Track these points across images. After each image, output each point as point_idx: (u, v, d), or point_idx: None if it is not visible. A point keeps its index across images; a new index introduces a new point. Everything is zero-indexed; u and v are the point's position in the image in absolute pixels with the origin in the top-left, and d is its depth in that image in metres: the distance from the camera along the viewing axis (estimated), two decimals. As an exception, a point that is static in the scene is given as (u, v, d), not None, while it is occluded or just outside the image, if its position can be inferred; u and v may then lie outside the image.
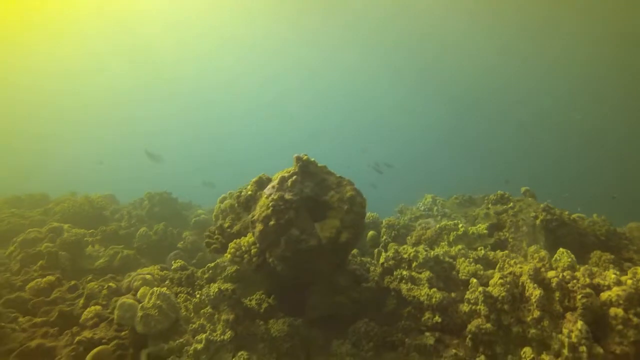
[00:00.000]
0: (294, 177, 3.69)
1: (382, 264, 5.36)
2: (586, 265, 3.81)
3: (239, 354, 3.70)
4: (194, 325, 4.19)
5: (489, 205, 7.57)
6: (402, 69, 45.01)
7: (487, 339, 3.43)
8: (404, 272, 5.01)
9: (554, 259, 3.97)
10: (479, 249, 5.98)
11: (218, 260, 5.54)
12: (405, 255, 5.31)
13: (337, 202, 3.79)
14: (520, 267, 3.55)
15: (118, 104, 56.62)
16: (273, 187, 3.72)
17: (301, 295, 5.25)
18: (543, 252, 3.62)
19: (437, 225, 6.85)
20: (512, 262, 3.78)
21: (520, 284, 3.44)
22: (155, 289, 4.17)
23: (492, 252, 5.90)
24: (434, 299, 4.58)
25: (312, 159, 3.92)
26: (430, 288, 4.77)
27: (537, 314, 3.15)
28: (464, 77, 44.45)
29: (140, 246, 8.76)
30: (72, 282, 5.78)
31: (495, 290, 3.37)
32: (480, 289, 3.47)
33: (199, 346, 3.73)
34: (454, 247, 6.06)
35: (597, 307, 3.15)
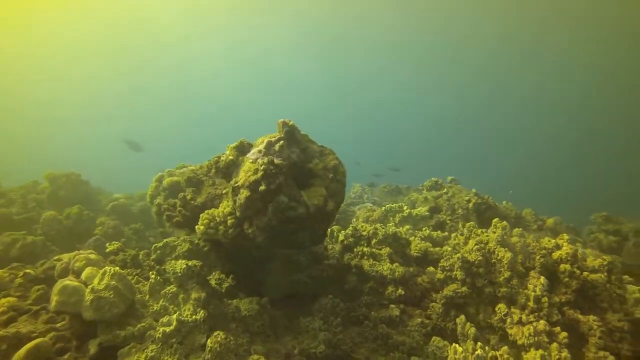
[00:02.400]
0: (281, 142, 3.49)
1: (342, 241, 5.41)
2: (531, 235, 4.36)
3: (215, 334, 3.37)
4: (154, 308, 3.70)
5: (424, 191, 8.17)
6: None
7: (462, 301, 3.69)
8: (365, 249, 5.12)
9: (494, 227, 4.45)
10: (423, 229, 6.40)
11: (166, 240, 5.00)
12: (364, 233, 5.43)
13: (321, 170, 3.70)
14: (487, 236, 3.90)
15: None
16: (259, 151, 3.47)
17: (258, 274, 5.05)
18: (504, 222, 4.03)
19: (383, 208, 7.17)
20: (479, 231, 4.12)
21: (488, 249, 3.78)
22: (107, 267, 3.57)
23: (435, 232, 6.37)
24: (396, 273, 4.77)
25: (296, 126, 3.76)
26: (391, 263, 4.96)
27: (507, 274, 3.49)
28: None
29: (47, 232, 7.45)
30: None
31: (472, 255, 3.64)
32: (458, 254, 3.72)
33: (169, 329, 3.30)
34: (401, 228, 6.39)
35: (550, 264, 3.62)
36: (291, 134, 3.65)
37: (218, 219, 3.66)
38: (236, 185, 3.42)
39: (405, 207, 6.90)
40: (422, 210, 6.90)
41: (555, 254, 3.63)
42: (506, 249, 3.58)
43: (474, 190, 7.07)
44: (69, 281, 3.43)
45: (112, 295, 3.42)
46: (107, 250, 5.04)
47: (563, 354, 2.94)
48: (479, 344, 3.03)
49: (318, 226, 3.68)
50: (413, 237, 5.88)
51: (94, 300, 3.34)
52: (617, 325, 3.31)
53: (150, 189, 6.65)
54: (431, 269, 5.44)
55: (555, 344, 3.02)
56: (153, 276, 4.10)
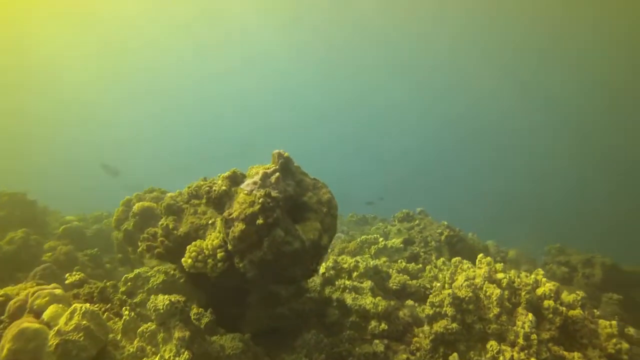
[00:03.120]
0: (277, 174, 3.41)
1: (323, 273, 5.30)
2: (512, 270, 4.54)
3: (200, 377, 3.10)
4: (130, 350, 3.35)
5: (396, 222, 8.31)
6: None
7: (452, 338, 3.70)
8: (347, 282, 5.05)
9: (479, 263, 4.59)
10: (399, 261, 6.46)
11: (138, 271, 4.62)
12: (345, 266, 5.37)
13: (316, 204, 3.64)
14: (474, 271, 3.99)
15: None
16: (254, 182, 3.35)
17: (236, 307, 4.81)
18: (489, 258, 4.15)
19: (359, 239, 7.17)
20: (465, 266, 4.21)
21: (476, 285, 3.85)
22: (77, 305, 3.19)
23: (410, 264, 6.45)
24: (380, 307, 4.73)
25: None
26: (374, 297, 4.92)
27: (496, 310, 3.57)
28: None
29: (-16, 260, 6.66)
30: None
31: (462, 291, 3.69)
32: (449, 291, 3.75)
33: (149, 373, 2.99)
34: (378, 260, 6.40)
35: (535, 301, 3.76)
36: (286, 166, 3.58)
37: (207, 252, 3.45)
38: (230, 217, 3.27)
39: (380, 239, 6.95)
40: (397, 242, 6.99)
41: (539, 290, 3.78)
42: (495, 285, 3.68)
43: (445, 223, 7.30)
44: (28, 323, 3.03)
45: (82, 338, 3.06)
46: (67, 282, 4.55)
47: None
48: (476, 384, 3.03)
49: (311, 261, 3.59)
50: (391, 270, 5.90)
51: (59, 345, 2.96)
52: (598, 361, 3.46)
53: (117, 213, 6.20)
54: (410, 302, 5.46)
55: (546, 383, 3.09)
56: (127, 313, 3.75)
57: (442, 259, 6.56)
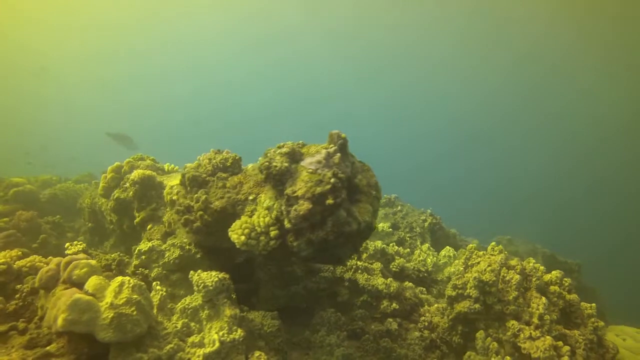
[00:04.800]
0: (339, 155, 3.39)
1: (333, 254, 5.39)
2: (516, 258, 5.03)
3: (257, 354, 3.06)
4: (175, 326, 3.17)
5: (378, 208, 8.61)
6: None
7: (473, 317, 4.05)
8: (359, 263, 5.21)
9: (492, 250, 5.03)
10: (390, 244, 6.77)
11: (152, 244, 4.32)
12: (354, 247, 5.51)
13: (366, 187, 3.69)
14: (489, 258, 4.36)
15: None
16: (318, 162, 3.29)
17: (246, 284, 4.77)
18: (500, 246, 4.56)
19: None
20: (481, 253, 4.57)
21: (495, 270, 4.23)
22: (123, 278, 2.94)
23: (400, 248, 6.79)
24: (392, 288, 4.97)
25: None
26: (385, 278, 5.15)
27: (515, 293, 3.97)
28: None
29: None
30: None
31: (486, 275, 4.03)
32: (475, 274, 4.07)
33: (209, 349, 2.88)
34: (373, 243, 6.64)
35: (542, 285, 4.23)
36: (344, 147, 3.57)
37: (258, 229, 3.35)
38: (294, 195, 3.20)
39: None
40: (385, 226, 7.29)
41: (546, 277, 4.27)
42: (512, 271, 4.08)
43: (429, 211, 7.76)
44: (80, 294, 2.73)
45: (134, 312, 2.84)
46: (68, 252, 4.11)
47: (567, 365, 3.49)
48: (508, 358, 3.39)
49: (359, 242, 3.66)
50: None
51: (114, 318, 2.73)
52: (590, 337, 4.03)
53: (105, 179, 5.64)
54: (408, 283, 5.79)
55: (566, 357, 3.55)
56: (159, 287, 3.53)
57: (426, 245, 7.00)
